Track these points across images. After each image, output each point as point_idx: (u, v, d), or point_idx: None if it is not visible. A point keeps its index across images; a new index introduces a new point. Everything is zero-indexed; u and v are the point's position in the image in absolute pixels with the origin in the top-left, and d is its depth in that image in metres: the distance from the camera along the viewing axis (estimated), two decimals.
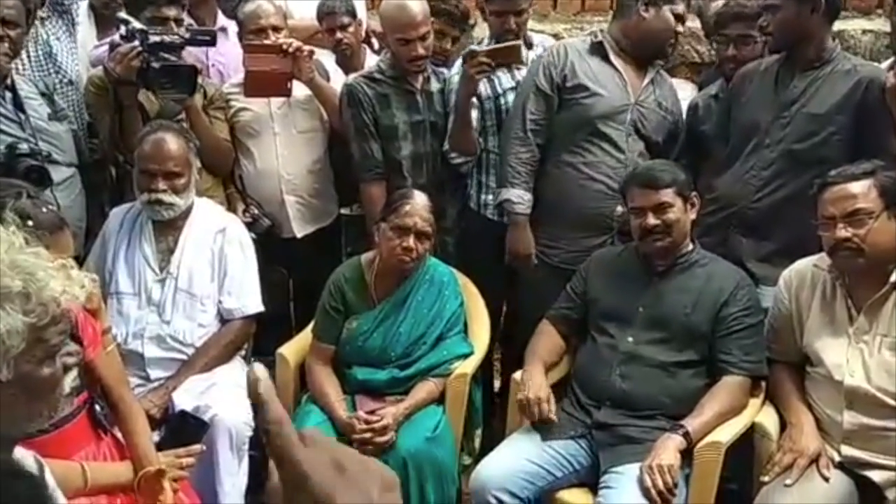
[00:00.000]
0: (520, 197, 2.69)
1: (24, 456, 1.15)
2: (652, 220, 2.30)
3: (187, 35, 2.80)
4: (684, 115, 2.87)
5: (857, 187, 2.11)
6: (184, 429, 2.18)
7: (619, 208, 2.61)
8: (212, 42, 2.89)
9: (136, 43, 2.65)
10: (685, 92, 3.10)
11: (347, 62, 3.13)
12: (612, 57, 2.70)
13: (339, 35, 3.09)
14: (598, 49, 2.71)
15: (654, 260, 2.38)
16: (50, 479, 1.21)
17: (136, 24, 2.72)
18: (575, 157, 2.67)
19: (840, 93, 2.45)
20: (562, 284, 2.56)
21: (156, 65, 2.64)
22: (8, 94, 2.59)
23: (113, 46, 2.70)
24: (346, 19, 3.07)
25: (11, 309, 1.03)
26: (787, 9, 2.44)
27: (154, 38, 2.67)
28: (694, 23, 3.50)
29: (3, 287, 1.03)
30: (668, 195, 2.31)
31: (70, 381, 1.14)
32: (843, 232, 2.08)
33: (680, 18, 2.69)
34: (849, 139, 2.44)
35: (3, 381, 1.03)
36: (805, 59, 2.50)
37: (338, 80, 3.00)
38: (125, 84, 2.69)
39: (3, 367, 1.03)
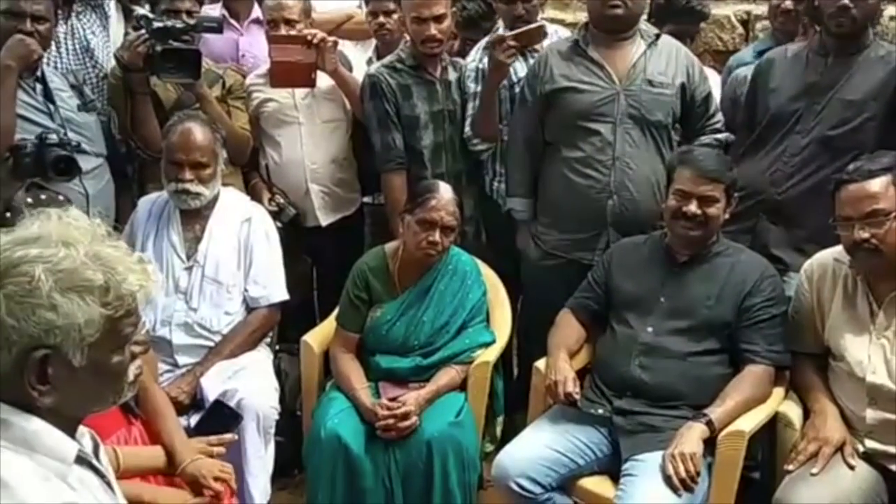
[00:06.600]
0: (521, 205, 2.82)
1: (81, 433, 1.20)
2: (694, 208, 2.27)
3: (193, 22, 2.83)
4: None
5: (874, 186, 2.04)
6: (218, 418, 2.22)
7: (611, 202, 2.61)
8: (218, 30, 2.90)
9: (143, 30, 2.69)
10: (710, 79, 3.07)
11: (385, 49, 3.10)
12: (590, 51, 2.66)
13: (381, 19, 3.06)
14: (576, 47, 2.68)
15: (678, 250, 2.37)
16: (104, 457, 1.25)
17: (141, 11, 2.76)
18: (567, 153, 2.66)
19: (875, 79, 2.43)
20: (551, 269, 2.69)
21: (159, 48, 2.67)
22: (38, 86, 2.64)
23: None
24: (391, 5, 3.04)
25: (91, 301, 1.08)
26: None
27: (157, 24, 2.71)
28: (718, 9, 3.48)
29: (85, 280, 1.08)
30: (718, 190, 2.28)
31: (135, 368, 1.21)
32: (861, 233, 2.02)
33: None
34: (883, 125, 2.41)
35: (76, 366, 1.09)
36: (849, 44, 2.46)
37: (360, 71, 3.02)
38: (134, 71, 2.73)
39: (78, 353, 1.08)
